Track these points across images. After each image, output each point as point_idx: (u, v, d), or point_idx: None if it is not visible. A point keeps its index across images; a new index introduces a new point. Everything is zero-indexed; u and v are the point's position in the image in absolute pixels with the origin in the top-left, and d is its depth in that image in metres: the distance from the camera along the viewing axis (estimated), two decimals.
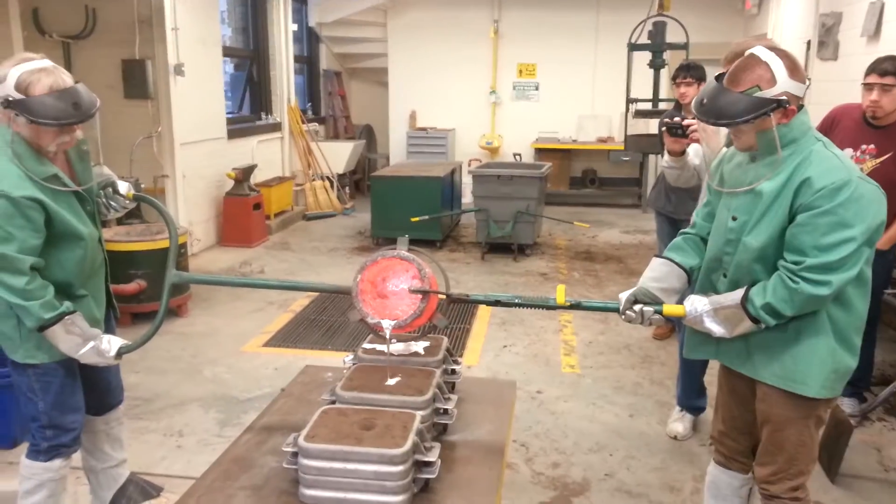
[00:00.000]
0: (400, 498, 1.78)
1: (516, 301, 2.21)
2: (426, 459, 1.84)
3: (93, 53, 6.57)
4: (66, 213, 2.31)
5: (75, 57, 6.58)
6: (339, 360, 2.39)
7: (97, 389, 2.68)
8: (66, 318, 2.29)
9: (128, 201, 2.62)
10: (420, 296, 2.06)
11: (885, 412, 3.82)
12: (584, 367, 4.49)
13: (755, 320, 2.02)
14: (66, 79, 2.23)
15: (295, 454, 1.83)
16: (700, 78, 4.37)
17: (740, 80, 1.98)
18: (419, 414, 1.97)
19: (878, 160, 3.48)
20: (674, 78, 4.45)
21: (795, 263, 1.97)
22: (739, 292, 2.06)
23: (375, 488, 1.78)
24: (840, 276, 1.94)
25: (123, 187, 2.60)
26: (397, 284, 2.11)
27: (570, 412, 3.86)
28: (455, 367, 2.43)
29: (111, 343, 2.39)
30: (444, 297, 2.14)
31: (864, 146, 3.52)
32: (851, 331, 2.09)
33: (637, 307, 2.16)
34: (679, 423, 3.60)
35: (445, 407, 2.14)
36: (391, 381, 2.14)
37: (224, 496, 1.85)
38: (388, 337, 2.11)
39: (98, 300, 2.54)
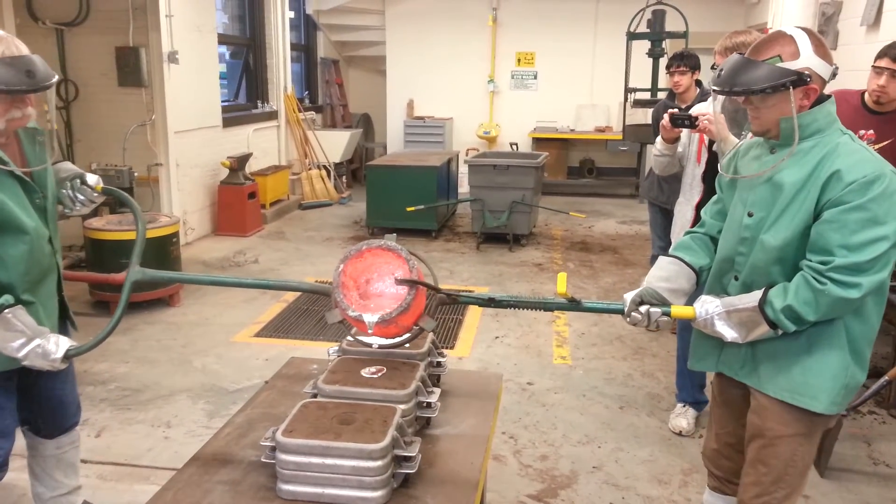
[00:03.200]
0: (379, 493, 1.77)
1: (511, 301, 2.05)
2: (406, 454, 1.82)
3: (86, 41, 6.51)
4: (7, 202, 2.09)
5: (69, 44, 6.52)
6: (326, 351, 2.37)
7: (47, 409, 2.41)
8: (6, 311, 2.03)
9: (96, 194, 2.40)
10: (406, 289, 1.87)
11: (875, 405, 3.80)
12: (576, 358, 4.47)
13: (773, 325, 1.87)
14: (20, 47, 2.09)
15: (273, 449, 1.81)
16: (694, 67, 4.34)
17: (762, 51, 1.87)
18: (400, 408, 1.96)
19: (877, 146, 3.44)
20: (668, 67, 4.42)
21: (822, 263, 1.81)
22: (756, 294, 1.90)
23: (354, 484, 1.76)
24: (871, 279, 1.79)
25: (92, 179, 2.40)
26: (382, 289, 1.92)
27: (561, 404, 3.85)
28: (440, 359, 2.41)
29: (59, 344, 2.08)
30: (432, 292, 1.98)
31: (862, 132, 3.48)
32: (865, 343, 1.95)
33: (643, 308, 2.01)
34: (682, 417, 3.57)
35: (428, 400, 2.12)
36: (367, 373, 2.11)
37: (201, 491, 1.84)
38: (370, 331, 1.91)
39: (48, 309, 2.26)
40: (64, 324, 2.43)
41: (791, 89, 1.82)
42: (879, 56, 3.35)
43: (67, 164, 2.45)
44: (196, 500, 1.80)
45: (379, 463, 1.75)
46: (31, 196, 2.19)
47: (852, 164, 1.80)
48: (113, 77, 6.56)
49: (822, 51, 1.86)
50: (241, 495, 1.82)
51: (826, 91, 1.93)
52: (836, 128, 1.91)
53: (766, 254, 1.93)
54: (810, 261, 1.85)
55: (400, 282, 1.88)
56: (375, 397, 2.03)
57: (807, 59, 1.84)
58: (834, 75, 1.90)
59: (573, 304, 2.04)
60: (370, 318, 1.86)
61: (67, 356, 2.09)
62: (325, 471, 1.77)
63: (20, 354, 2.05)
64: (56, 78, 2.15)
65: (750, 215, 1.98)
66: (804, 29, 1.89)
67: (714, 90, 1.94)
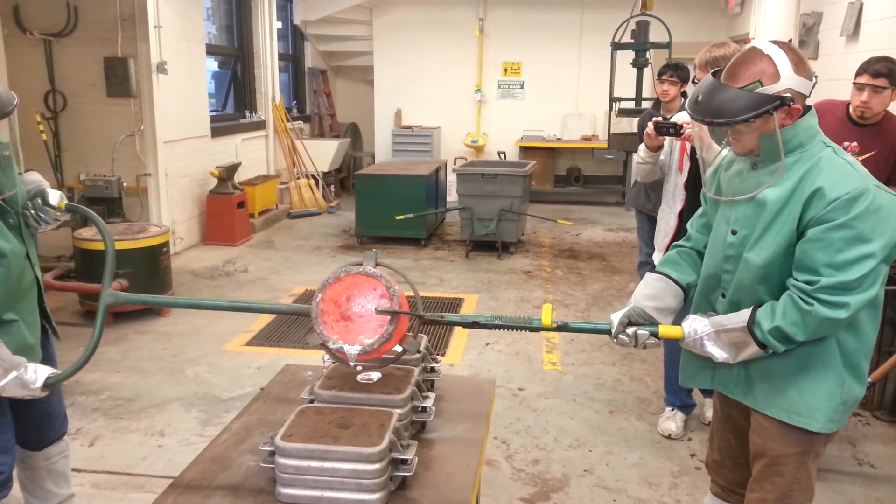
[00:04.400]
0: (376, 496, 1.80)
1: (496, 322, 2.01)
2: (403, 457, 1.86)
3: (75, 51, 6.52)
4: None
5: (57, 55, 6.53)
6: (321, 358, 2.39)
7: (34, 421, 2.41)
8: None
9: (59, 213, 2.33)
10: (388, 317, 1.86)
11: (860, 407, 3.87)
12: (566, 364, 4.52)
13: (762, 345, 1.84)
14: None
15: (272, 453, 1.84)
16: (684, 79, 4.40)
17: (739, 75, 1.79)
18: (396, 412, 1.99)
19: (860, 158, 3.53)
20: (659, 74, 4.48)
21: (808, 283, 1.77)
22: (745, 313, 1.87)
23: (352, 486, 1.79)
24: (858, 297, 1.75)
25: (54, 197, 2.31)
26: (363, 305, 1.90)
27: (551, 409, 3.89)
28: (434, 365, 2.45)
29: (38, 373, 2.05)
30: (415, 318, 1.94)
31: (846, 143, 3.56)
32: (861, 357, 1.91)
33: (630, 330, 1.98)
34: (671, 421, 3.63)
35: (423, 405, 2.15)
36: (362, 378, 2.14)
37: (201, 496, 1.86)
38: (351, 363, 1.90)
39: (31, 324, 2.26)
40: (47, 335, 2.42)
41: (774, 113, 1.77)
42: (859, 73, 3.42)
43: (32, 176, 2.39)
44: None
45: (377, 466, 1.78)
46: (5, 217, 2.16)
47: (835, 181, 1.76)
48: (101, 87, 6.57)
49: (802, 67, 1.80)
50: (240, 500, 1.84)
51: (812, 101, 1.89)
52: (819, 140, 1.87)
53: (750, 272, 1.90)
54: (796, 280, 1.81)
55: (381, 312, 1.87)
56: (372, 402, 2.06)
57: (787, 80, 1.77)
58: (814, 85, 1.85)
59: (559, 327, 2.03)
60: (351, 349, 1.86)
61: (47, 384, 2.07)
62: (323, 474, 1.79)
63: None
64: (16, 101, 2.12)
65: (734, 233, 1.95)
66: (781, 45, 1.82)
67: (694, 118, 1.87)
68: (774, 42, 1.84)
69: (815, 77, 1.86)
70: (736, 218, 1.95)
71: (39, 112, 6.42)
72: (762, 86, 1.77)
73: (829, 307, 1.76)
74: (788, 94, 1.77)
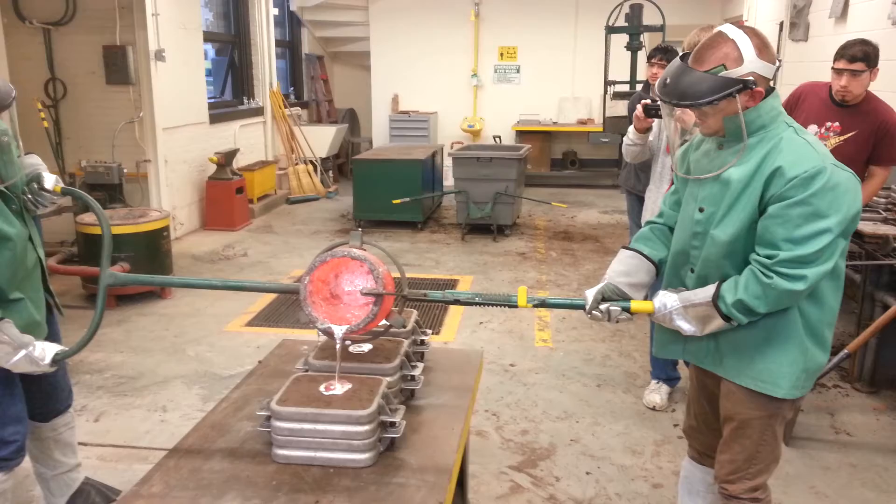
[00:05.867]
0: (366, 455, 1.92)
1: (476, 300, 2.08)
2: (391, 420, 1.98)
3: (73, 40, 6.60)
4: None
5: (56, 43, 6.61)
6: (316, 335, 2.49)
7: (41, 394, 2.52)
8: None
9: (55, 196, 2.41)
10: (373, 298, 1.95)
11: (840, 379, 4.00)
12: (557, 341, 4.65)
13: (727, 318, 1.93)
14: None
15: (268, 417, 1.96)
16: None
17: (705, 59, 1.87)
18: (386, 380, 2.11)
19: (842, 138, 3.63)
20: (649, 58, 4.55)
21: (768, 257, 1.87)
22: (710, 289, 1.96)
23: (343, 447, 1.91)
24: (815, 270, 1.84)
25: (50, 181, 2.38)
26: (351, 281, 2.00)
27: (541, 383, 4.02)
28: (423, 338, 2.57)
29: (46, 350, 2.17)
30: (400, 297, 2.02)
31: (828, 123, 3.65)
32: (824, 326, 2.01)
33: (603, 306, 2.05)
34: (656, 393, 3.75)
35: (412, 374, 2.27)
36: (355, 350, 2.26)
37: (201, 458, 1.98)
38: (338, 344, 2.02)
39: (36, 302, 2.36)
40: (51, 312, 2.52)
41: (737, 96, 1.85)
42: (837, 57, 3.48)
43: (30, 159, 2.46)
44: (197, 465, 1.95)
45: (366, 427, 1.90)
46: (8, 203, 2.25)
47: (794, 161, 1.84)
48: (101, 75, 6.65)
49: (765, 52, 1.87)
50: (239, 460, 1.96)
51: (801, 82, 1.99)
52: (781, 121, 1.94)
53: (717, 248, 1.99)
54: (758, 254, 1.90)
55: (366, 293, 1.96)
56: (363, 370, 2.18)
57: (750, 64, 1.85)
58: (777, 69, 1.95)
59: (537, 304, 2.10)
60: (338, 329, 1.97)
61: (55, 360, 2.18)
62: (316, 436, 1.91)
63: (9, 364, 2.14)
64: (14, 93, 2.20)
65: (701, 210, 2.03)
66: (746, 29, 1.90)
67: (662, 100, 1.95)
68: (740, 27, 1.91)
69: (780, 61, 1.99)
70: (703, 196, 2.04)
71: (40, 100, 6.51)
72: (726, 69, 1.85)
73: (788, 280, 1.85)
74: (751, 78, 1.85)
